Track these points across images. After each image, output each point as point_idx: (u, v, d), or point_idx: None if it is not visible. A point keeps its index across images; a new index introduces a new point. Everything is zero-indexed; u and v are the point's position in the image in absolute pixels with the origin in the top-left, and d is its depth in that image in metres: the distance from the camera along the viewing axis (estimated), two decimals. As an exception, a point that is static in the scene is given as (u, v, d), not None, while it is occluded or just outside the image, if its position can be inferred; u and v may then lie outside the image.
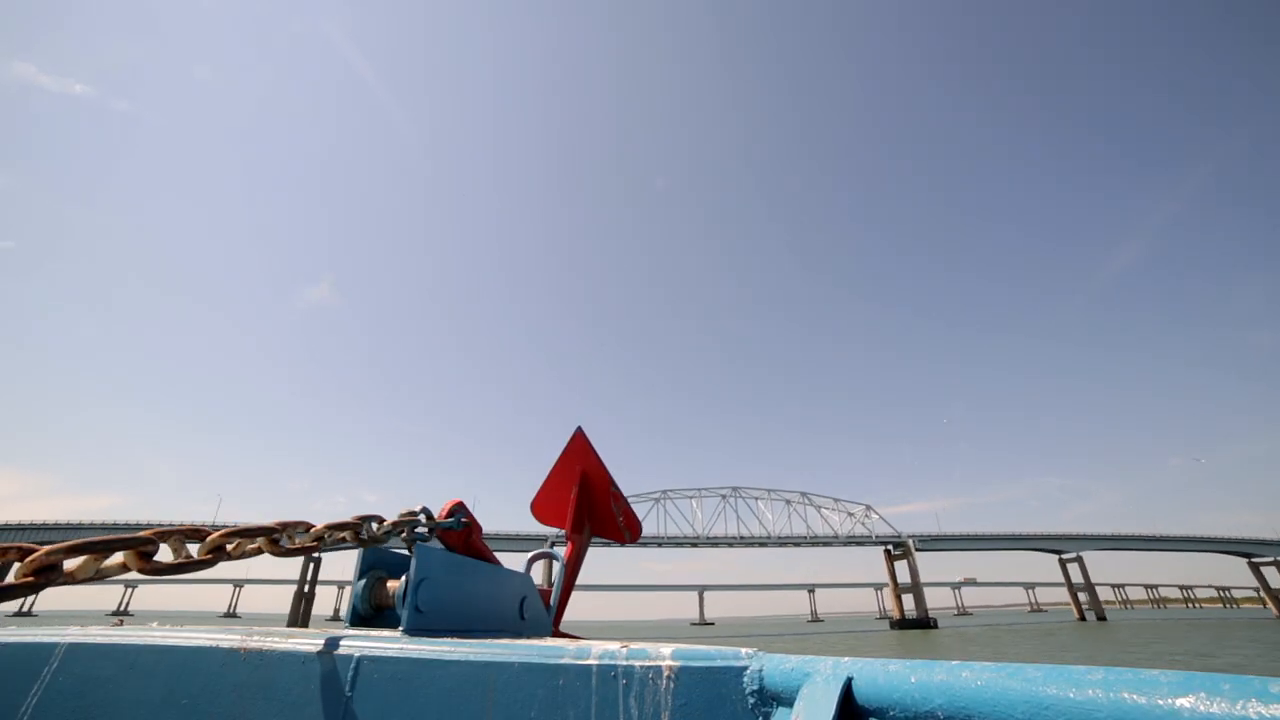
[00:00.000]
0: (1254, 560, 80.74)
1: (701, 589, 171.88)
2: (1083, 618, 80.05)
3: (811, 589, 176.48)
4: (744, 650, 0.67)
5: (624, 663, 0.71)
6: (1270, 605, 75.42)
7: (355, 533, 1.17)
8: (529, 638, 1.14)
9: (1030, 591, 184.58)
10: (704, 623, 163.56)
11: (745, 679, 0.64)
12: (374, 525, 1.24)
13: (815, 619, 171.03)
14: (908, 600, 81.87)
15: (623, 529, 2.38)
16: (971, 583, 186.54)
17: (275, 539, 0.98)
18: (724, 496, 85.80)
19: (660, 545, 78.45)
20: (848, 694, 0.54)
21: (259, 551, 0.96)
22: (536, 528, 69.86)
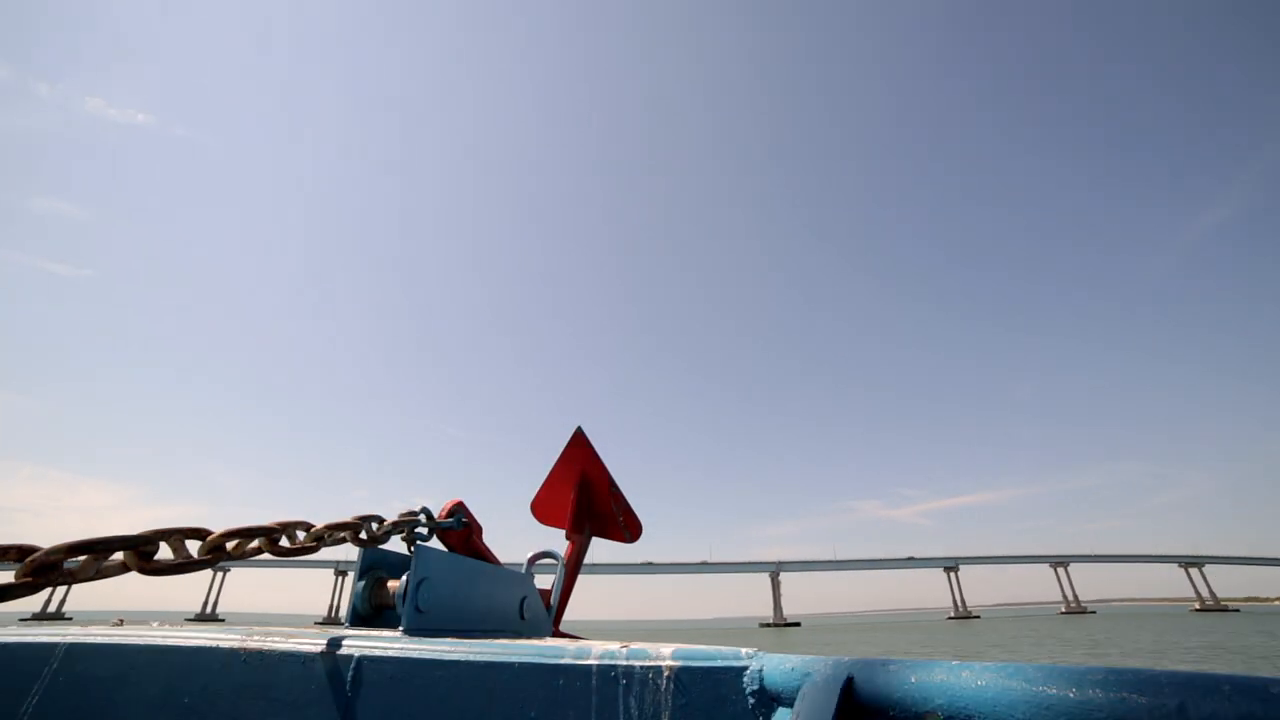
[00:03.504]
0: None
1: (776, 568, 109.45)
2: None
3: (953, 566, 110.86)
4: (744, 650, 0.67)
5: (624, 663, 0.70)
6: None
7: (355, 533, 1.16)
8: (529, 638, 1.11)
9: (1194, 571, 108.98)
10: (783, 622, 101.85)
11: (745, 679, 0.63)
12: (374, 525, 1.23)
13: (964, 613, 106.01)
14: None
15: (623, 529, 2.38)
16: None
17: (275, 539, 0.98)
18: None
19: None
20: (848, 693, 0.53)
21: (259, 551, 0.95)
22: None
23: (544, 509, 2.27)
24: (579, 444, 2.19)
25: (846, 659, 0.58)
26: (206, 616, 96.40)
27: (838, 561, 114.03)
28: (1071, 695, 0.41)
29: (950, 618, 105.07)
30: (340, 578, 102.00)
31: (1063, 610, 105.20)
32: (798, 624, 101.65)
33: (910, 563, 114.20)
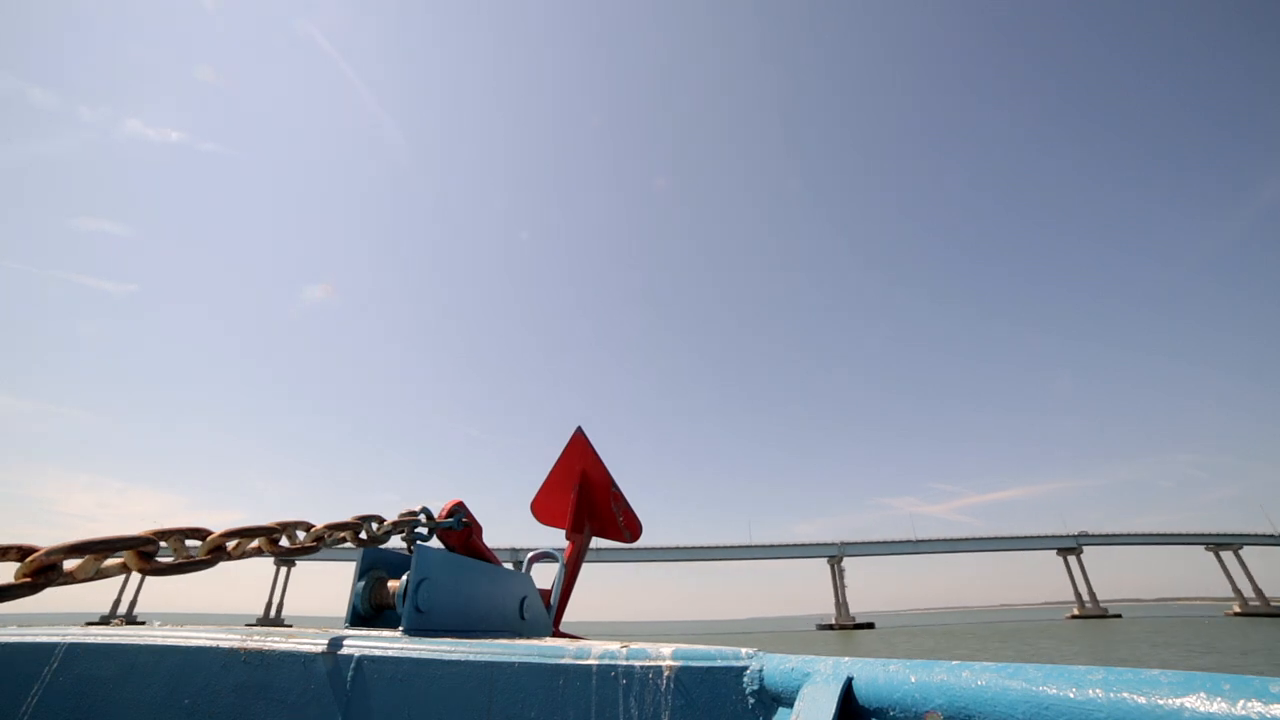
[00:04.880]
0: None
1: (838, 551, 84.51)
2: None
3: (1073, 548, 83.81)
4: (744, 650, 0.68)
5: (624, 663, 0.70)
6: None
7: (355, 533, 1.17)
8: (529, 638, 1.13)
9: None
10: (850, 623, 77.30)
11: (745, 679, 0.63)
12: (374, 525, 1.24)
13: (1097, 611, 79.14)
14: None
15: (623, 529, 2.41)
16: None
17: (275, 539, 0.98)
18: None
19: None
20: (848, 694, 0.53)
21: (259, 551, 0.95)
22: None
23: (544, 509, 2.29)
24: (579, 444, 2.21)
25: (847, 659, 0.58)
26: (128, 621, 78.61)
27: (919, 542, 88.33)
28: (1071, 695, 0.42)
29: (1073, 616, 78.54)
30: (284, 568, 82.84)
31: (1236, 610, 76.24)
32: (871, 625, 77.06)
33: (1016, 543, 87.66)
